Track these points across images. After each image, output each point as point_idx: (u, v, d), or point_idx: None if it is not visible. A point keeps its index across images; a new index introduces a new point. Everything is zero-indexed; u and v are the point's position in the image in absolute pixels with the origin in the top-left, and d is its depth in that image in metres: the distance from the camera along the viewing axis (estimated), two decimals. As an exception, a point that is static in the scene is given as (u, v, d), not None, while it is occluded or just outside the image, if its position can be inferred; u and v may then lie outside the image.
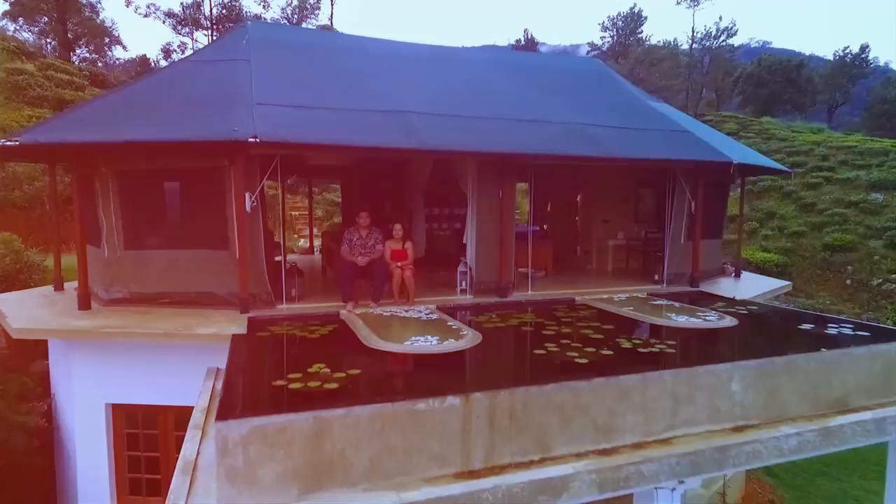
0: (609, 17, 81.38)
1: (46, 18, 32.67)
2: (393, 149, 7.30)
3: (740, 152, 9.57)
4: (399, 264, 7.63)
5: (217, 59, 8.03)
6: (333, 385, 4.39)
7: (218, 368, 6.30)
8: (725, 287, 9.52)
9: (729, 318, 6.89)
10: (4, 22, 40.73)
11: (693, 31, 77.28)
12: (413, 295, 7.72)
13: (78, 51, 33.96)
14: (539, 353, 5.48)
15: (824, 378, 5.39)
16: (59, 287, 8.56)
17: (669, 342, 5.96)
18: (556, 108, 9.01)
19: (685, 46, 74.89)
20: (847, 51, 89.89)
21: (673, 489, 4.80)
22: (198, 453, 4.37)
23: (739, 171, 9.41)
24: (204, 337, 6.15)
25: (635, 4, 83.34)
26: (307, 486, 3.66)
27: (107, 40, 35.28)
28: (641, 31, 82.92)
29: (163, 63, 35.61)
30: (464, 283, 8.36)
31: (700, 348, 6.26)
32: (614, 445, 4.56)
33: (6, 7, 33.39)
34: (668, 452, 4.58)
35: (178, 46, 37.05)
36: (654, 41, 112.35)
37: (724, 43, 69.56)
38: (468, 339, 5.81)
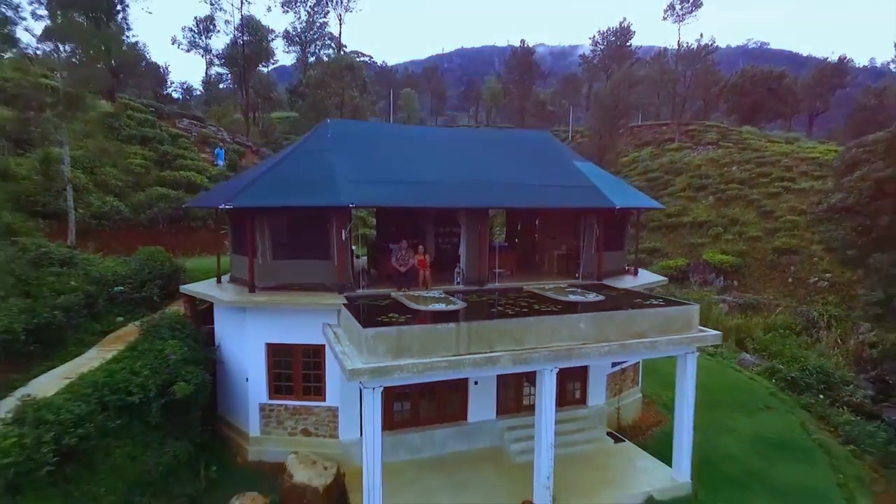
0: (599, 31, 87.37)
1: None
2: (419, 207, 13.39)
3: (628, 198, 15.60)
4: (422, 269, 13.70)
5: (315, 149, 14.07)
6: (402, 320, 10.45)
7: (327, 324, 12.30)
8: (620, 282, 15.56)
9: (600, 296, 12.94)
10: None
11: (679, 46, 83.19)
12: (430, 284, 13.79)
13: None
14: (493, 310, 11.53)
15: (630, 322, 11.41)
16: (219, 280, 14.60)
17: (559, 307, 12.00)
18: (514, 172, 15.10)
19: (674, 51, 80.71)
20: (826, 61, 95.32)
21: (550, 370, 10.82)
22: (343, 353, 10.42)
23: (628, 208, 15.43)
24: (326, 304, 12.20)
25: (625, 19, 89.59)
26: (395, 355, 9.69)
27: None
28: (630, 44, 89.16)
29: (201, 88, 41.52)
30: (458, 278, 14.43)
31: (572, 309, 12.18)
32: (523, 347, 10.58)
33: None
34: (547, 351, 10.61)
35: (215, 78, 43.02)
36: (642, 53, 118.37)
37: (707, 56, 75.18)
38: (459, 305, 11.87)
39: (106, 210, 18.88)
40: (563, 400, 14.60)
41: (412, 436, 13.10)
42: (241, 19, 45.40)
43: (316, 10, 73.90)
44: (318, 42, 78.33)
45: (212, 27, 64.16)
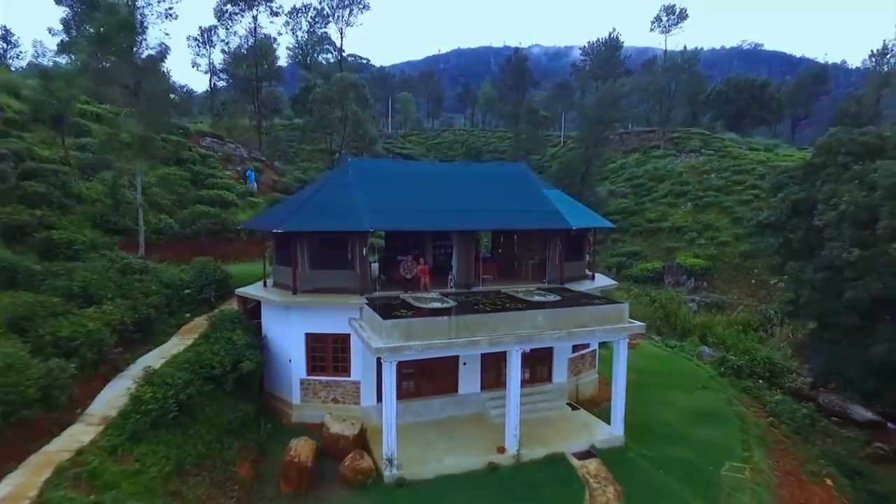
0: (589, 42, 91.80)
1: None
2: (421, 231, 17.79)
3: (583, 220, 19.98)
4: (423, 276, 18.08)
5: (340, 184, 18.41)
6: (409, 314, 14.83)
7: (352, 318, 16.64)
8: (580, 285, 19.93)
9: (558, 297, 17.33)
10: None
11: (665, 57, 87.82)
12: (429, 287, 18.16)
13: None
14: (476, 307, 15.92)
15: (575, 316, 15.80)
16: (265, 284, 18.92)
17: (525, 305, 16.38)
18: (495, 200, 19.48)
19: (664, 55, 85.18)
20: (807, 71, 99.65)
21: (516, 350, 15.21)
22: (368, 338, 14.81)
23: (583, 228, 19.81)
24: (350, 304, 16.56)
25: (614, 29, 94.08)
26: (406, 339, 14.10)
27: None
28: (619, 54, 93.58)
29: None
30: (451, 283, 18.79)
31: (535, 306, 16.53)
32: (497, 333, 14.96)
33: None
34: (514, 336, 15.01)
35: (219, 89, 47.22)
36: (636, 54, 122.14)
37: (690, 67, 79.53)
38: (451, 304, 16.26)
39: (161, 227, 23.11)
40: (533, 378, 19.04)
41: (415, 404, 17.42)
42: (256, 44, 49.67)
43: (317, 20, 78.15)
44: (317, 47, 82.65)
45: (216, 38, 68.43)
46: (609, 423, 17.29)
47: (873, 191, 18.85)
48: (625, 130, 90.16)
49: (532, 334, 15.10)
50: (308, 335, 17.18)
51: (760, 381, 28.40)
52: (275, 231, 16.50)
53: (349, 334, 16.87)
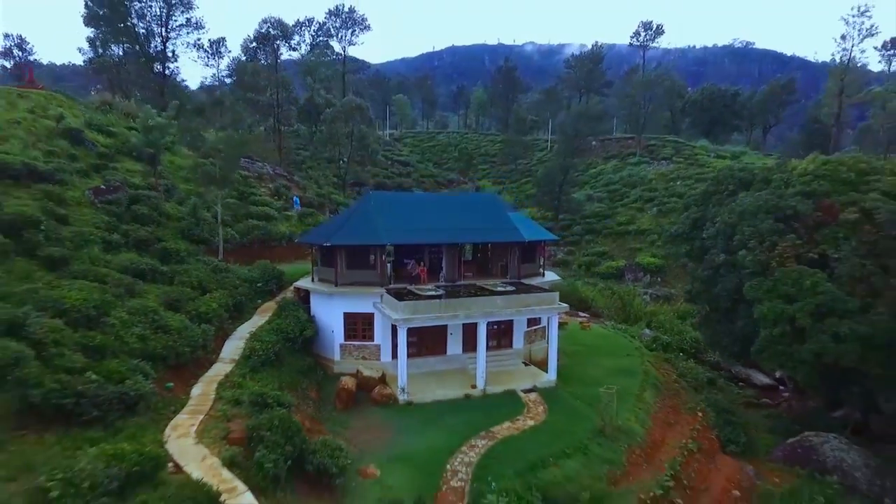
0: (573, 54, 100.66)
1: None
2: (421, 243, 26.81)
3: (534, 234, 28.93)
4: (422, 275, 27.06)
5: (364, 211, 27.28)
6: (414, 299, 23.87)
7: (375, 302, 25.58)
8: (533, 280, 28.90)
9: (514, 288, 26.31)
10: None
11: (643, 69, 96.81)
12: (426, 282, 27.12)
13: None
14: (458, 294, 24.93)
15: (522, 300, 24.84)
16: (313, 279, 27.79)
17: (488, 293, 25.38)
18: (472, 220, 28.46)
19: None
20: (777, 80, 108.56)
21: (483, 322, 24.27)
22: (389, 314, 23.85)
23: (533, 240, 28.74)
24: (374, 292, 25.55)
25: (597, 42, 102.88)
26: (413, 314, 23.15)
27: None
28: (601, 66, 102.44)
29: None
30: (442, 278, 27.77)
31: (496, 294, 25.46)
32: (470, 311, 23.97)
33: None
34: (481, 312, 24.00)
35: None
36: (619, 60, 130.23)
37: (663, 81, 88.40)
38: (441, 293, 25.26)
39: (227, 237, 31.75)
40: (499, 345, 28.02)
41: (417, 360, 26.29)
42: (278, 80, 58.44)
43: (319, 33, 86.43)
44: (321, 57, 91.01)
45: (224, 48, 76.81)
46: (549, 373, 26.29)
47: (734, 214, 27.92)
48: (607, 136, 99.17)
49: (493, 311, 24.10)
50: (345, 314, 26.04)
51: (682, 353, 37.59)
52: (323, 244, 25.38)
53: (373, 313, 25.74)
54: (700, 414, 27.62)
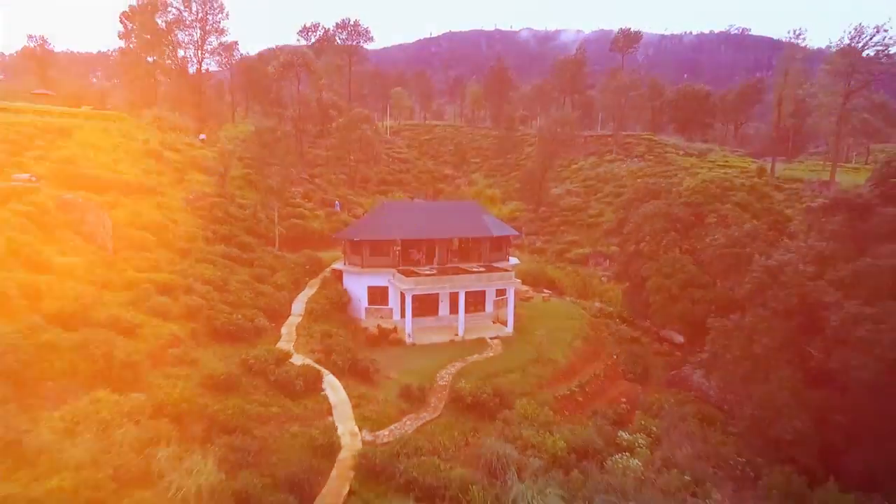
0: (557, 59, 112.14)
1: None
2: (421, 238, 39.67)
3: (501, 231, 41.61)
4: (422, 260, 39.86)
5: (381, 214, 39.92)
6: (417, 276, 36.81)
7: (389, 278, 38.39)
8: (500, 264, 41.65)
9: (483, 268, 39.12)
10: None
11: (619, 77, 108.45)
12: (424, 265, 39.90)
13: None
14: (446, 273, 37.80)
15: (489, 276, 37.72)
16: (345, 263, 40.57)
17: (466, 272, 38.21)
18: (458, 221, 41.18)
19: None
20: (747, 80, 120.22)
21: (462, 291, 37.13)
22: (399, 285, 36.81)
23: (500, 235, 41.41)
24: (389, 271, 38.43)
25: (582, 46, 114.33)
26: (416, 285, 36.04)
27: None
28: (584, 70, 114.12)
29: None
30: (435, 262, 40.56)
31: (471, 273, 38.19)
32: (454, 283, 36.84)
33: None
34: (462, 284, 36.91)
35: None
36: (603, 63, 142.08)
37: (640, 87, 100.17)
38: (434, 271, 38.10)
39: (277, 232, 44.36)
40: (475, 309, 40.87)
41: (419, 319, 39.00)
42: (301, 97, 70.72)
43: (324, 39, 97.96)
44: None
45: (237, 52, 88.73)
46: (507, 327, 39.16)
47: (641, 217, 40.67)
48: (589, 133, 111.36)
49: (469, 284, 36.96)
50: (368, 286, 38.79)
51: (619, 320, 50.51)
52: (353, 239, 38.10)
53: (388, 286, 38.47)
54: (615, 357, 40.65)
